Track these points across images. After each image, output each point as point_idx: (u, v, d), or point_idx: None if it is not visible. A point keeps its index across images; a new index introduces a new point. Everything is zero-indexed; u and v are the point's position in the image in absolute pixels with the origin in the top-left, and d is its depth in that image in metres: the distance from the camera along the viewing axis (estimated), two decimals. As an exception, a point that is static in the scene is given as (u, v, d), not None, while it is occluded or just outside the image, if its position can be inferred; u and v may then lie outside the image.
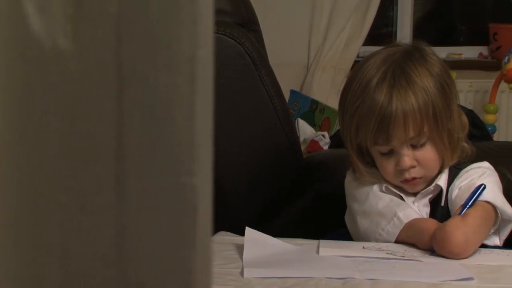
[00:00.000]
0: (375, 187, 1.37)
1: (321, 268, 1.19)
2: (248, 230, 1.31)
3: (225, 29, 1.67)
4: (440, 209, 1.36)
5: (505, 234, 1.35)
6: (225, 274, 1.18)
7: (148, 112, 0.39)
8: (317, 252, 1.27)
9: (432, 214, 1.36)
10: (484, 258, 1.24)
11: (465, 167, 1.38)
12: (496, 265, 1.20)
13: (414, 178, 1.34)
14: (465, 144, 1.38)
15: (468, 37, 3.83)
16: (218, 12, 1.75)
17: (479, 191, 1.29)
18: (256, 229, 1.33)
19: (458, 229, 1.23)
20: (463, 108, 2.36)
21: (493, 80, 3.14)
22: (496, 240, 1.34)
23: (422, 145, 1.32)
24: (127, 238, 0.40)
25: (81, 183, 0.40)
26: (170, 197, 0.40)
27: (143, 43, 0.39)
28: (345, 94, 1.38)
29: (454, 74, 2.99)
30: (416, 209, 1.36)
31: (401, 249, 1.28)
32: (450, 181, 1.37)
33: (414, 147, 1.32)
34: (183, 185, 0.40)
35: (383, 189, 1.37)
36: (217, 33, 1.67)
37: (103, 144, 0.40)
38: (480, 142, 2.05)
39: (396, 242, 1.32)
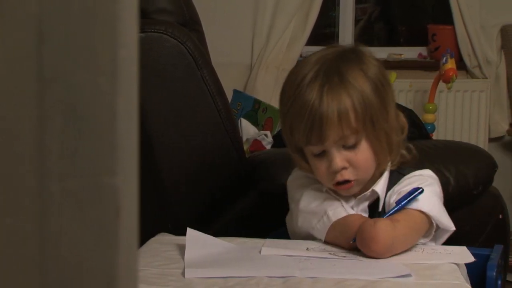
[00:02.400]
0: (312, 188, 1.35)
1: (263, 267, 1.19)
2: (189, 230, 1.30)
3: (167, 29, 1.66)
4: (377, 215, 1.34)
5: (441, 242, 1.35)
6: (167, 275, 1.17)
7: (69, 112, 0.39)
8: (259, 251, 1.28)
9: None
10: (422, 256, 1.27)
11: (408, 173, 1.37)
12: (433, 263, 1.23)
13: (346, 181, 1.30)
14: (404, 151, 1.36)
15: (408, 38, 3.90)
16: (160, 11, 1.74)
17: (416, 193, 1.28)
18: (199, 229, 1.33)
19: (387, 232, 1.22)
20: (402, 107, 2.40)
21: (432, 80, 3.20)
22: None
23: (354, 146, 1.28)
24: (49, 239, 0.40)
25: (2, 184, 0.40)
26: (92, 197, 0.40)
27: (64, 44, 0.39)
28: (281, 95, 1.35)
29: (394, 74, 3.05)
30: (351, 213, 1.33)
31: (344, 249, 1.30)
32: (390, 186, 1.36)
33: (346, 148, 1.29)
34: (104, 186, 0.40)
35: (324, 192, 1.35)
36: (158, 32, 1.66)
37: (23, 144, 0.39)
38: (418, 141, 2.09)
39: (326, 241, 1.31)
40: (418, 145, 1.97)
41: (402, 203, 1.28)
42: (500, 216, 1.95)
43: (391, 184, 1.36)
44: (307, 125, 1.27)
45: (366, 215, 1.35)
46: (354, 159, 1.29)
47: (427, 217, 1.30)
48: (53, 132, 0.39)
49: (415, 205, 1.28)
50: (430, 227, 1.31)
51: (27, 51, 0.38)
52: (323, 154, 1.30)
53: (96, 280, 0.41)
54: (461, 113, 3.40)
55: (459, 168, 1.88)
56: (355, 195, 1.35)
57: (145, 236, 1.40)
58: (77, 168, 0.40)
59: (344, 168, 1.29)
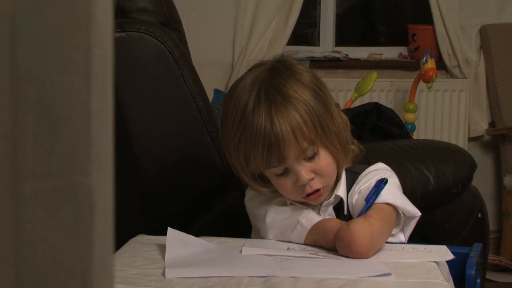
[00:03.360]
0: (275, 203, 1.36)
1: (243, 267, 1.19)
2: (170, 230, 1.30)
3: (147, 28, 1.66)
4: (343, 217, 1.35)
5: (409, 230, 1.37)
6: (147, 275, 1.17)
7: (44, 112, 0.39)
8: (240, 251, 1.28)
9: None
10: (402, 255, 1.28)
11: (362, 170, 1.38)
12: (413, 262, 1.23)
13: (316, 190, 1.31)
14: (352, 146, 1.37)
15: (388, 38, 3.92)
16: (141, 11, 1.74)
17: (381, 185, 1.30)
18: (180, 229, 1.32)
19: (363, 230, 1.23)
20: (384, 107, 2.41)
21: (412, 80, 3.22)
22: (402, 237, 1.36)
23: (314, 156, 1.30)
24: (24, 239, 0.39)
25: (-25, 184, 0.39)
26: (67, 197, 0.40)
27: (38, 43, 0.38)
28: (224, 125, 1.33)
29: (375, 74, 3.06)
30: (322, 217, 1.34)
31: (325, 249, 1.30)
32: (349, 186, 1.37)
33: (308, 159, 1.30)
34: (79, 185, 0.40)
35: (288, 204, 1.35)
36: (139, 32, 1.65)
37: (-3, 144, 0.39)
38: (399, 140, 2.10)
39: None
40: (399, 144, 1.99)
41: (371, 199, 1.30)
42: (479, 215, 1.97)
43: (348, 184, 1.37)
44: (264, 149, 1.27)
45: None
46: (317, 168, 1.30)
47: (394, 208, 1.31)
48: (27, 132, 0.39)
49: (380, 199, 1.30)
50: (398, 218, 1.33)
51: (1, 51, 0.38)
52: (286, 171, 1.31)
53: (71, 279, 0.40)
54: (441, 113, 3.43)
55: (439, 167, 1.90)
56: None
57: (125, 236, 1.40)
58: (51, 168, 0.39)
59: (312, 179, 1.30)
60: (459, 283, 1.30)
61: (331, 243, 1.28)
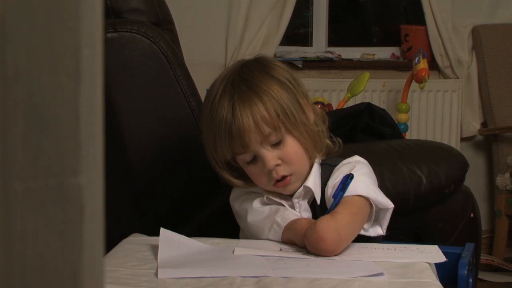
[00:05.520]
0: (255, 202, 1.38)
1: (236, 267, 1.19)
2: (163, 230, 1.30)
3: (140, 28, 1.66)
4: (319, 210, 1.36)
5: (386, 222, 1.37)
6: (139, 275, 1.17)
7: (33, 112, 0.39)
8: (233, 251, 1.28)
9: (314, 217, 1.35)
10: (394, 255, 1.28)
11: (337, 164, 1.39)
12: (405, 262, 1.23)
13: (283, 177, 1.33)
14: (329, 142, 1.40)
15: (381, 38, 3.93)
16: (133, 11, 1.73)
17: (348, 180, 1.31)
18: (172, 230, 1.32)
19: (330, 227, 1.24)
20: (377, 107, 2.42)
21: (405, 80, 3.23)
22: (379, 230, 1.36)
23: (280, 142, 1.33)
24: (13, 239, 0.39)
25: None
26: (56, 197, 0.40)
27: (27, 43, 0.38)
28: (201, 118, 1.41)
29: (367, 74, 3.07)
30: (298, 215, 1.35)
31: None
32: (324, 180, 1.38)
33: (273, 146, 1.33)
34: (68, 185, 0.40)
35: (265, 200, 1.38)
36: (131, 32, 1.65)
37: (-14, 145, 0.39)
38: (392, 140, 2.10)
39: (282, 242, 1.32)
40: (392, 144, 1.99)
41: (338, 196, 1.30)
42: (472, 215, 1.97)
43: (325, 178, 1.38)
44: (227, 136, 1.32)
45: (309, 214, 1.37)
46: (283, 154, 1.33)
47: (366, 199, 1.31)
48: (16, 132, 0.39)
49: (351, 191, 1.31)
50: (370, 210, 1.33)
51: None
52: (255, 159, 1.34)
53: (61, 279, 0.40)
54: (433, 113, 3.44)
55: (431, 167, 1.90)
56: (291, 195, 1.37)
57: (118, 236, 1.40)
58: (41, 168, 0.39)
59: (278, 165, 1.33)
60: (452, 283, 1.30)
61: (302, 242, 1.28)
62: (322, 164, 1.40)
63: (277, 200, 1.37)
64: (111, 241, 1.25)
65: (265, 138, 1.32)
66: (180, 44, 1.94)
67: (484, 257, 3.14)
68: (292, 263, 1.22)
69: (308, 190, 1.37)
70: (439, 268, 1.25)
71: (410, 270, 1.19)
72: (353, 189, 1.30)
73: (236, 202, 1.42)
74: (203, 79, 2.99)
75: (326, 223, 1.25)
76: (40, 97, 0.39)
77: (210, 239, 1.37)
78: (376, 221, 1.36)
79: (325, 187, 1.37)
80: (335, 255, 1.25)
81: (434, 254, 1.27)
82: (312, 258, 1.25)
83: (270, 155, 1.32)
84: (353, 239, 1.29)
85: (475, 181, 3.22)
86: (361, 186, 1.32)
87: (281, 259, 1.24)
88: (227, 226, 1.68)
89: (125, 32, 1.64)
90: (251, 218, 1.37)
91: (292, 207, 1.37)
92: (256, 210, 1.37)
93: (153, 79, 1.68)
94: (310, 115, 1.37)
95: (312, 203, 1.38)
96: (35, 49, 0.38)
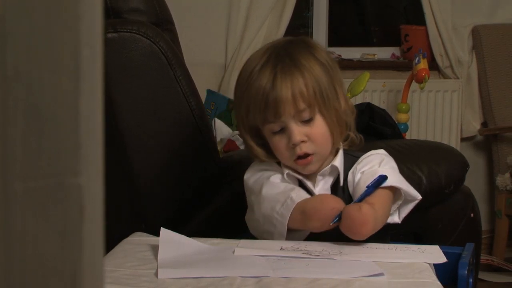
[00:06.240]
0: (272, 177, 1.41)
1: (236, 267, 1.19)
2: (163, 230, 1.30)
3: (140, 29, 1.66)
4: (340, 192, 1.41)
5: (405, 212, 1.42)
6: (139, 276, 1.17)
7: (32, 112, 0.39)
8: (233, 251, 1.28)
9: None
10: (395, 254, 1.28)
11: (360, 156, 1.44)
12: (406, 262, 1.23)
13: (306, 154, 1.37)
14: (353, 135, 1.44)
15: (381, 38, 3.93)
16: (133, 11, 1.73)
17: (382, 181, 1.35)
18: (173, 230, 1.32)
19: (372, 216, 1.28)
20: (377, 107, 2.42)
21: (405, 80, 3.23)
22: (396, 218, 1.41)
23: (310, 121, 1.37)
24: (13, 239, 0.39)
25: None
26: (56, 197, 0.40)
27: (27, 43, 0.38)
28: (235, 85, 1.44)
29: (368, 74, 3.06)
30: (317, 193, 1.40)
31: (318, 248, 1.30)
32: (348, 166, 1.42)
33: (303, 122, 1.37)
34: (68, 185, 0.40)
35: (285, 176, 1.40)
36: (131, 32, 1.65)
37: (-15, 145, 0.39)
38: (392, 140, 2.10)
39: (289, 223, 1.34)
40: (392, 144, 1.99)
41: (370, 189, 1.34)
42: (472, 215, 1.97)
43: (347, 165, 1.43)
44: (263, 104, 1.35)
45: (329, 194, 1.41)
46: (311, 133, 1.37)
47: (393, 192, 1.37)
48: (16, 132, 0.39)
49: (387, 182, 1.36)
50: (397, 199, 1.39)
51: (-10, 50, 0.38)
52: (282, 131, 1.38)
53: (60, 279, 0.40)
54: (433, 113, 3.43)
55: (432, 167, 1.90)
56: (315, 173, 1.41)
57: (118, 236, 1.40)
58: (41, 168, 0.39)
59: (303, 141, 1.37)
60: (452, 283, 1.30)
61: (322, 218, 1.30)
62: (345, 153, 1.44)
63: (296, 175, 1.40)
64: (111, 241, 1.25)
65: (298, 113, 1.35)
66: (180, 44, 1.94)
67: (484, 257, 3.14)
68: (292, 263, 1.22)
69: (334, 169, 1.41)
70: (439, 268, 1.25)
71: (410, 270, 1.18)
72: (388, 180, 1.35)
73: (250, 179, 1.44)
74: (203, 79, 2.99)
75: (370, 211, 1.29)
76: (40, 97, 0.39)
77: (210, 239, 1.37)
78: (396, 210, 1.41)
79: (348, 171, 1.42)
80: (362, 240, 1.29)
81: (435, 254, 1.27)
82: (312, 258, 1.25)
83: (298, 130, 1.36)
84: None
85: (475, 181, 3.22)
86: (395, 178, 1.37)
87: (281, 259, 1.24)
88: (228, 226, 1.68)
89: (125, 32, 1.64)
90: (266, 191, 1.38)
91: (310, 186, 1.40)
92: (272, 184, 1.39)
93: (153, 79, 1.68)
94: (342, 103, 1.41)
95: (333, 186, 1.42)
96: (35, 49, 0.38)
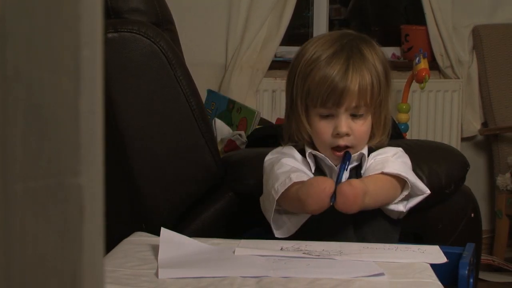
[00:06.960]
0: (285, 159, 1.44)
1: (236, 267, 1.19)
2: (163, 230, 1.30)
3: (140, 29, 1.66)
4: (356, 176, 1.45)
5: (412, 203, 1.46)
6: (140, 275, 1.17)
7: (32, 112, 0.39)
8: (233, 251, 1.28)
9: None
10: (395, 255, 1.28)
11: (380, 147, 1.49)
12: (406, 262, 1.23)
13: (346, 147, 1.42)
14: (383, 137, 1.49)
15: (381, 38, 3.92)
16: (133, 11, 1.73)
17: (348, 156, 1.40)
18: (173, 229, 1.32)
19: (362, 188, 1.33)
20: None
21: (405, 80, 3.23)
22: (401, 207, 1.45)
23: (361, 116, 1.42)
24: (13, 239, 0.39)
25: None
26: (56, 197, 0.40)
27: (27, 43, 0.38)
28: (297, 61, 1.46)
29: (368, 74, 3.05)
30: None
31: (318, 248, 1.30)
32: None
33: (354, 116, 1.42)
34: (68, 185, 0.40)
35: (307, 156, 1.45)
36: (132, 32, 1.65)
37: (-15, 145, 0.39)
38: (392, 140, 2.10)
39: (289, 207, 1.39)
40: (392, 144, 1.99)
41: (342, 166, 1.39)
42: (472, 215, 1.97)
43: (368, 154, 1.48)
44: (328, 89, 1.40)
45: (347, 175, 1.44)
46: (357, 129, 1.43)
47: (399, 182, 1.41)
48: (16, 132, 0.39)
49: (392, 170, 1.41)
50: (404, 190, 1.43)
51: (-10, 51, 0.38)
52: (329, 117, 1.43)
53: (60, 279, 0.40)
54: (434, 113, 3.43)
55: (432, 167, 1.90)
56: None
57: (118, 236, 1.40)
58: (41, 168, 0.39)
59: (347, 134, 1.42)
60: (452, 283, 1.30)
61: (299, 206, 1.35)
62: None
63: (320, 154, 1.44)
64: (111, 241, 1.25)
65: (356, 107, 1.41)
66: (180, 44, 1.94)
67: (484, 257, 3.14)
68: (292, 263, 1.22)
69: (361, 157, 1.46)
70: (440, 268, 1.25)
71: (410, 270, 1.18)
72: (394, 168, 1.40)
73: (268, 161, 1.49)
74: (203, 79, 2.98)
75: (360, 184, 1.34)
76: (40, 97, 0.39)
77: (210, 239, 1.37)
78: (403, 199, 1.45)
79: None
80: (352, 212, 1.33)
81: (435, 255, 1.27)
82: (312, 258, 1.25)
83: (346, 122, 1.41)
84: (374, 208, 1.39)
85: (475, 181, 3.22)
86: (401, 168, 1.42)
87: (281, 259, 1.24)
88: (228, 226, 1.68)
89: (125, 32, 1.64)
90: (274, 169, 1.43)
91: (330, 169, 1.44)
92: (282, 163, 1.44)
93: (154, 79, 1.68)
94: (389, 108, 1.48)
95: (352, 169, 1.46)
96: (35, 49, 0.38)
